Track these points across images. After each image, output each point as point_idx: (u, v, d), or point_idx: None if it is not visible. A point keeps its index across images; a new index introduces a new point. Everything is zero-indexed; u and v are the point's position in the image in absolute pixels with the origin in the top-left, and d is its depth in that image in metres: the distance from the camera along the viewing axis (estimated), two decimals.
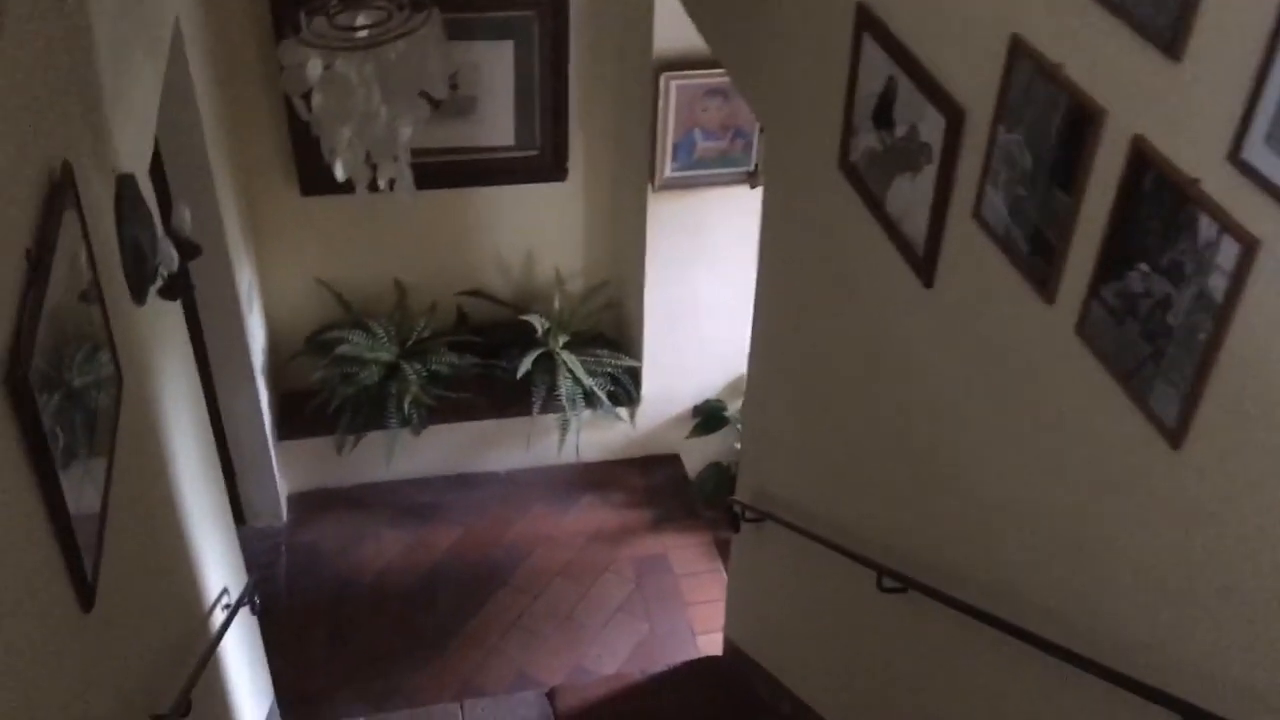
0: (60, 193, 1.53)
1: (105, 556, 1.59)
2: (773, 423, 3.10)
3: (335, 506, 4.42)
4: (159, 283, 2.21)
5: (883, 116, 2.08)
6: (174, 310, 2.58)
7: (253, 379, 3.93)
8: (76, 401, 1.50)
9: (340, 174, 2.46)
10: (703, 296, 4.25)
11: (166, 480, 2.28)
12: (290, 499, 4.43)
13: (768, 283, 3.13)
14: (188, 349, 2.77)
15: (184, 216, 2.38)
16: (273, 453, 4.17)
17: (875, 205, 2.15)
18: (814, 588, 2.94)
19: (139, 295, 2.07)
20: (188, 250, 2.34)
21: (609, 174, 4.29)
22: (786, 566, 3.12)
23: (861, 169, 2.20)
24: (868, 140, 2.15)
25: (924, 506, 2.18)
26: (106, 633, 1.64)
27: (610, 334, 4.65)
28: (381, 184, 2.61)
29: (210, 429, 2.96)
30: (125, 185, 2.04)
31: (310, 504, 4.42)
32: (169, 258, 2.23)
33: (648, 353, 4.36)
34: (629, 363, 4.39)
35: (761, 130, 3.65)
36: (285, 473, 4.38)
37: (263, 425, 4.02)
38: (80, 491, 1.47)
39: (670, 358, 4.39)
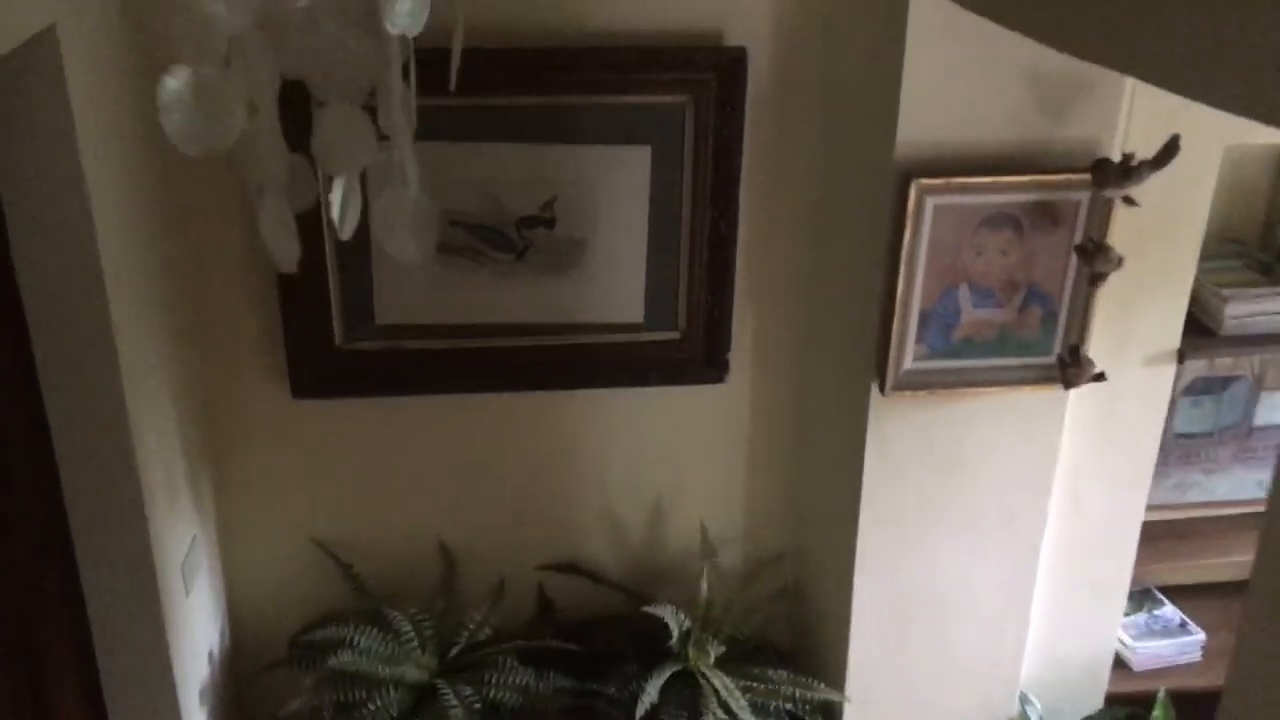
0: None
1: None
2: None
3: None
4: None
5: None
6: None
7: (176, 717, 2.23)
8: None
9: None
10: (950, 583, 2.49)
11: None
12: None
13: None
14: None
15: None
16: None
17: None
18: None
19: None
20: None
21: (796, 370, 2.64)
22: None
23: None
24: None
25: None
26: None
27: (786, 643, 2.87)
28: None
29: None
30: None
31: None
32: None
33: (854, 676, 2.57)
34: (823, 693, 2.58)
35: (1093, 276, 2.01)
36: None
37: None
38: None
39: (891, 684, 2.59)
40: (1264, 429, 2.97)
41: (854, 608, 2.51)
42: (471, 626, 2.56)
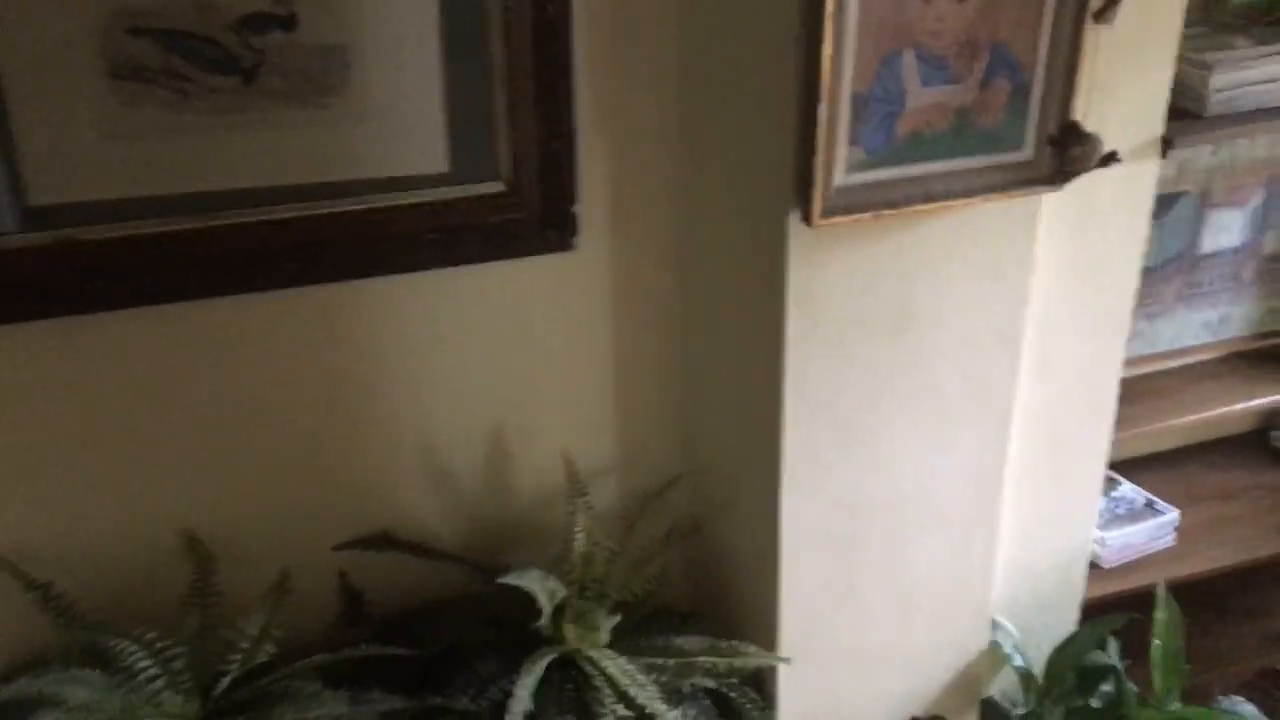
0: None
1: None
2: None
3: None
4: None
5: None
6: None
7: None
8: None
9: None
10: (905, 484, 1.85)
11: None
12: None
13: None
14: None
15: None
16: None
17: None
18: None
19: None
20: None
21: (676, 216, 1.90)
22: None
23: None
24: None
25: None
26: None
27: (686, 599, 2.17)
28: None
29: None
30: None
31: None
32: None
33: (788, 629, 1.90)
34: (755, 658, 1.89)
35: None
36: None
37: None
38: None
39: (838, 630, 1.93)
40: (1211, 257, 2.47)
41: (783, 537, 1.83)
42: (245, 646, 1.73)
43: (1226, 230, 2.44)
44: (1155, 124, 1.83)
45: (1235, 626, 2.49)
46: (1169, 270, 2.40)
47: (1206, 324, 2.53)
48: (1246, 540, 2.36)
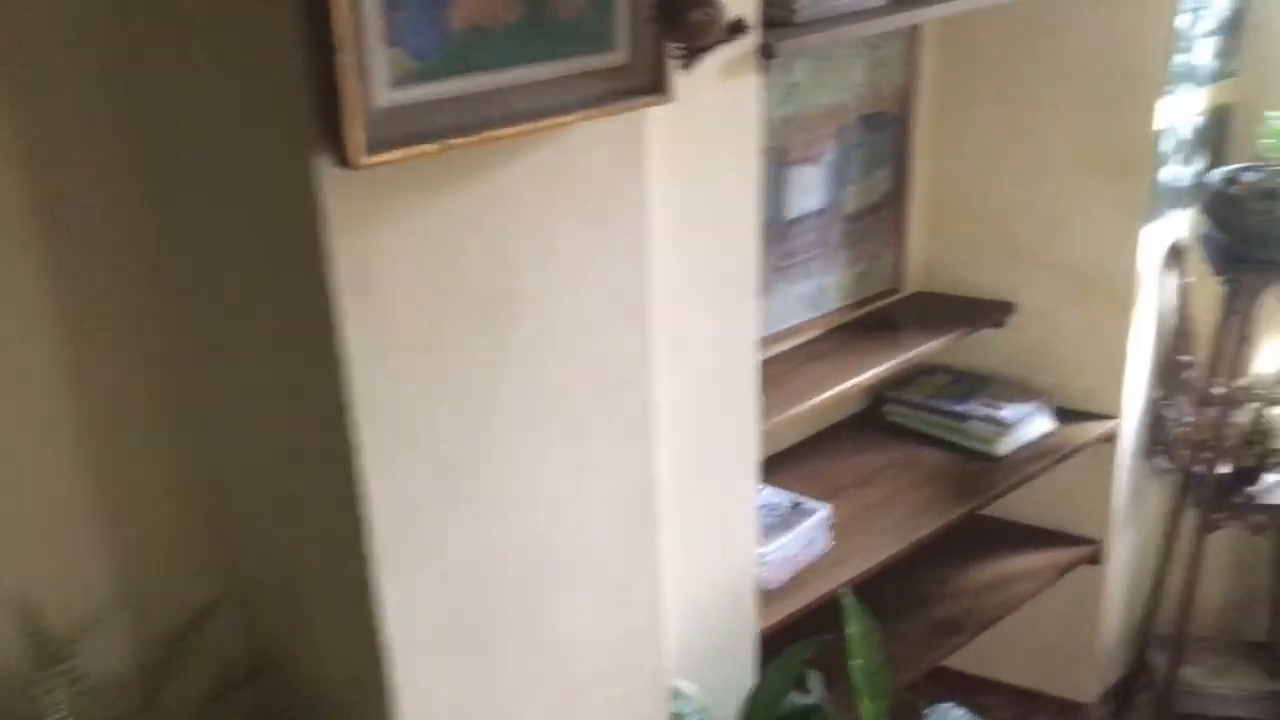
0: None
1: None
2: None
3: None
4: None
5: None
6: None
7: None
8: None
9: None
10: (537, 535, 1.35)
11: None
12: None
13: None
14: None
15: None
16: None
17: None
18: None
19: None
20: None
21: (151, 214, 1.26)
22: None
23: None
24: None
25: None
26: None
27: None
28: None
29: None
30: None
31: None
32: None
33: None
34: None
35: None
36: None
37: None
38: None
39: None
40: (798, 223, 2.22)
41: (389, 645, 1.25)
42: None
43: (809, 191, 2.21)
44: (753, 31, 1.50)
45: (898, 624, 2.24)
46: (762, 241, 2.12)
47: (805, 298, 2.29)
48: (902, 523, 2.11)
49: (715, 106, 1.47)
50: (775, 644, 1.82)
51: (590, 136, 1.27)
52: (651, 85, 1.27)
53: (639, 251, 1.37)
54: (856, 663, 1.70)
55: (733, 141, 1.52)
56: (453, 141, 1.12)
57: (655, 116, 1.34)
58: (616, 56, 1.24)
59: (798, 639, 1.77)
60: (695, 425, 1.60)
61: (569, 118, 1.20)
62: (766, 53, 1.50)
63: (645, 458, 1.45)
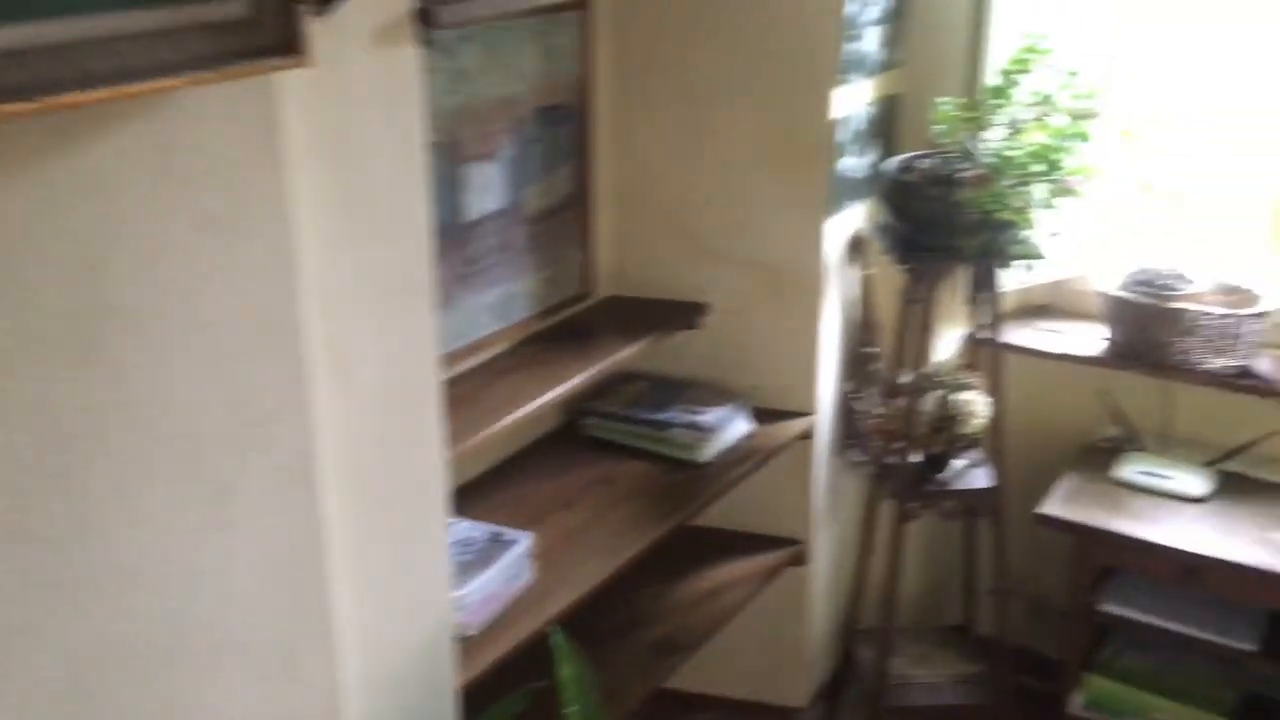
0: None
1: None
2: None
3: None
4: None
5: None
6: None
7: None
8: None
9: None
10: (171, 620, 1.07)
11: None
12: None
13: None
14: None
15: None
16: None
17: None
18: None
19: None
20: None
21: None
22: None
23: None
24: None
25: None
26: None
27: None
28: None
29: None
30: None
31: None
32: None
33: None
34: None
35: None
36: None
37: None
38: None
39: None
40: (478, 225, 2.02)
41: None
42: None
43: (486, 190, 2.01)
44: None
45: (613, 651, 2.08)
46: (440, 246, 1.90)
47: (491, 308, 2.09)
48: (609, 545, 1.95)
49: (368, 79, 1.24)
50: (481, 698, 1.60)
51: (206, 110, 1.01)
52: (281, 44, 1.02)
53: (284, 255, 1.12)
54: (572, 709, 1.51)
55: (392, 123, 1.29)
56: (11, 106, 0.83)
57: (293, 88, 1.09)
58: (234, 6, 0.99)
59: (507, 687, 1.56)
60: (370, 459, 1.35)
61: (172, 81, 0.94)
62: (425, 19, 1.28)
63: (308, 504, 1.20)
